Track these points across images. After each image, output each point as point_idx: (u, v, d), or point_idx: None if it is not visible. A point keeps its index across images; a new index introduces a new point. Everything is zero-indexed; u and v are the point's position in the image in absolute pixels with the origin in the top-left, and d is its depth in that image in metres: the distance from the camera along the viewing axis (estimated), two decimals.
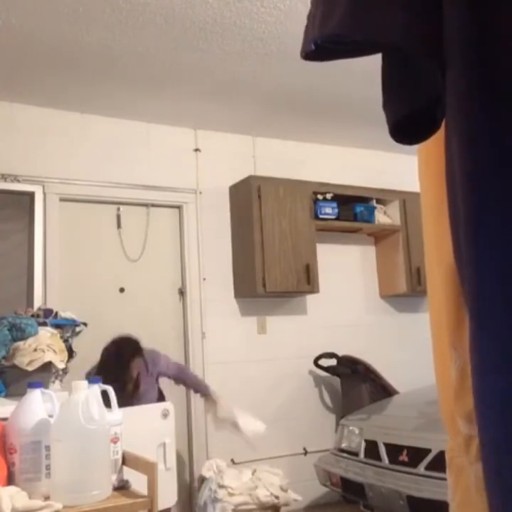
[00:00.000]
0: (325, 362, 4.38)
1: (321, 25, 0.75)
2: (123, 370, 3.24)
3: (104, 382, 3.07)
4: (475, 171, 0.64)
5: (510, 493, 0.60)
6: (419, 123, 0.80)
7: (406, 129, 0.81)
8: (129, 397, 3.21)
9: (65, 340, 2.80)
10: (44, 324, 2.76)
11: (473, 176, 0.65)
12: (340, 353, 4.37)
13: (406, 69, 0.79)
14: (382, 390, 4.19)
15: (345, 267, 4.78)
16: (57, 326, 2.83)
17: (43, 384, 1.67)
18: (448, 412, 1.02)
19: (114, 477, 1.57)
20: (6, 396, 2.43)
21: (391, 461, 3.06)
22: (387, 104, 0.82)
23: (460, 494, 0.98)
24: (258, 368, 4.28)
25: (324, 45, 0.76)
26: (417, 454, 2.92)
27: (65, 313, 3.00)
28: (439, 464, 2.64)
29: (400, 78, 0.81)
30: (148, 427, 2.45)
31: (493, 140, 0.63)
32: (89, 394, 1.50)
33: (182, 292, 4.21)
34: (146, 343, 3.42)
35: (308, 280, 4.25)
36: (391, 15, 0.70)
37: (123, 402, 2.99)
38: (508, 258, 0.62)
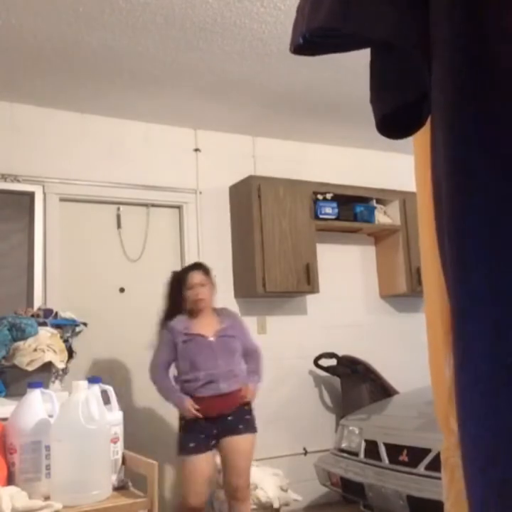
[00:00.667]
0: (325, 362, 4.38)
1: (310, 18, 0.75)
2: (183, 281, 3.26)
3: (170, 297, 3.38)
4: (459, 169, 0.64)
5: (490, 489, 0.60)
6: (406, 118, 0.81)
7: (393, 124, 0.81)
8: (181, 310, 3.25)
9: (65, 340, 2.81)
10: (44, 324, 2.77)
11: (457, 173, 0.64)
12: (340, 353, 4.37)
13: (393, 63, 0.79)
14: (382, 390, 4.19)
15: (345, 267, 4.78)
16: (57, 326, 2.84)
17: (43, 384, 1.67)
18: (442, 412, 1.02)
19: (114, 477, 1.57)
20: (6, 396, 2.44)
21: (391, 461, 3.06)
22: (375, 98, 0.83)
23: (454, 493, 0.99)
24: None
25: (313, 38, 0.76)
26: (417, 454, 2.92)
27: (65, 313, 3.00)
28: (439, 464, 2.63)
29: (387, 73, 0.81)
30: None
31: (479, 137, 0.63)
32: (89, 394, 1.50)
33: None
34: (142, 345, 3.42)
35: (308, 280, 4.25)
36: (379, 10, 0.70)
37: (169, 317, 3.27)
38: (492, 257, 0.61)
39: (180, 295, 3.25)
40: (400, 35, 0.70)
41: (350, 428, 3.51)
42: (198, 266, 3.38)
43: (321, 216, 4.42)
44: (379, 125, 0.82)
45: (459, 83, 0.65)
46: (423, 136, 0.87)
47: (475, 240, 0.63)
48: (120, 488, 1.57)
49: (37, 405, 1.53)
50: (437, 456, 2.72)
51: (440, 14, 0.68)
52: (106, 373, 3.55)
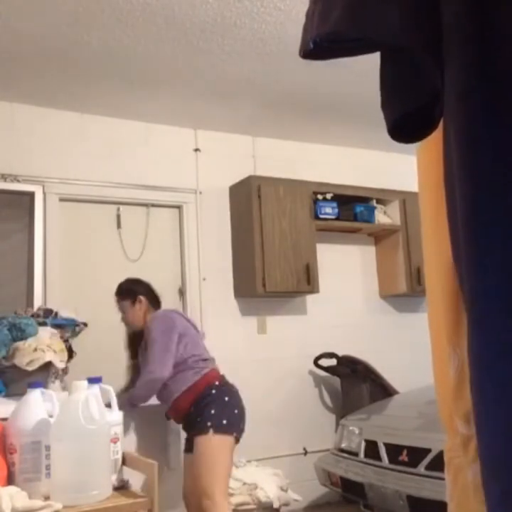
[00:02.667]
0: (325, 362, 4.38)
1: (320, 23, 0.75)
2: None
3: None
4: (474, 170, 0.64)
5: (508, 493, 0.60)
6: (418, 122, 0.80)
7: (404, 128, 0.81)
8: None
9: (65, 340, 2.81)
10: (44, 324, 2.77)
11: (472, 175, 0.65)
12: (340, 353, 4.37)
13: (404, 67, 0.79)
14: (382, 390, 4.19)
15: (345, 267, 4.78)
16: (57, 326, 2.84)
17: (43, 384, 1.67)
18: (446, 412, 1.02)
19: (114, 477, 1.57)
20: (6, 396, 2.44)
21: (391, 461, 3.06)
22: (386, 102, 0.83)
23: (458, 494, 0.99)
24: (258, 368, 4.28)
25: (323, 43, 0.76)
26: (417, 454, 2.92)
27: (65, 313, 3.00)
28: (439, 463, 2.63)
29: (398, 77, 0.81)
30: None
31: (492, 139, 0.63)
32: (89, 394, 1.50)
33: (182, 292, 4.21)
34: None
35: (308, 280, 4.25)
36: (389, 13, 0.70)
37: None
38: (508, 258, 0.62)
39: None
40: (409, 39, 0.70)
41: (350, 428, 3.50)
42: (116, 290, 3.28)
43: (321, 216, 4.42)
44: (390, 130, 0.82)
45: (471, 86, 0.65)
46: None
47: (489, 240, 0.63)
48: (120, 488, 1.57)
49: (37, 405, 1.53)
50: (437, 456, 2.73)
51: (451, 17, 0.68)
52: (106, 373, 3.54)
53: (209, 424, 2.81)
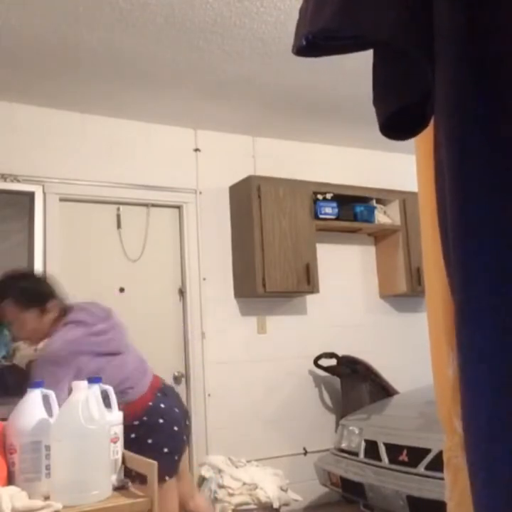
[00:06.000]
0: (325, 362, 4.38)
1: (312, 20, 0.75)
2: None
3: None
4: (462, 167, 0.64)
5: (497, 484, 0.60)
6: (409, 119, 0.81)
7: (396, 125, 0.81)
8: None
9: None
10: None
11: (461, 175, 0.65)
12: (340, 353, 4.37)
13: (397, 65, 0.79)
14: (382, 390, 4.19)
15: (345, 267, 4.78)
16: None
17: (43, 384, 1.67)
18: (445, 411, 1.02)
19: (114, 477, 1.57)
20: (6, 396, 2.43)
21: (391, 461, 3.06)
22: (378, 99, 0.83)
23: (458, 494, 0.99)
24: (258, 368, 4.28)
25: (315, 40, 0.76)
26: (417, 454, 2.92)
27: None
28: (439, 463, 2.63)
29: (390, 74, 0.81)
30: None
31: (481, 136, 0.63)
32: (89, 394, 1.50)
33: (182, 292, 4.22)
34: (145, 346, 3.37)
35: (308, 280, 4.25)
36: (382, 11, 0.70)
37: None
38: (495, 255, 0.62)
39: None
40: (401, 37, 0.70)
41: (350, 428, 3.51)
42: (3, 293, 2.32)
43: (321, 216, 4.42)
44: (382, 127, 0.82)
45: (461, 84, 0.66)
46: (424, 135, 0.87)
47: (477, 240, 0.63)
48: (120, 488, 1.57)
49: (37, 405, 1.53)
50: (437, 456, 2.73)
51: (442, 15, 0.68)
52: None
53: (133, 473, 2.09)
